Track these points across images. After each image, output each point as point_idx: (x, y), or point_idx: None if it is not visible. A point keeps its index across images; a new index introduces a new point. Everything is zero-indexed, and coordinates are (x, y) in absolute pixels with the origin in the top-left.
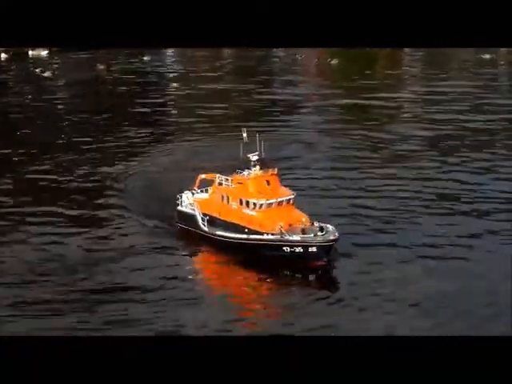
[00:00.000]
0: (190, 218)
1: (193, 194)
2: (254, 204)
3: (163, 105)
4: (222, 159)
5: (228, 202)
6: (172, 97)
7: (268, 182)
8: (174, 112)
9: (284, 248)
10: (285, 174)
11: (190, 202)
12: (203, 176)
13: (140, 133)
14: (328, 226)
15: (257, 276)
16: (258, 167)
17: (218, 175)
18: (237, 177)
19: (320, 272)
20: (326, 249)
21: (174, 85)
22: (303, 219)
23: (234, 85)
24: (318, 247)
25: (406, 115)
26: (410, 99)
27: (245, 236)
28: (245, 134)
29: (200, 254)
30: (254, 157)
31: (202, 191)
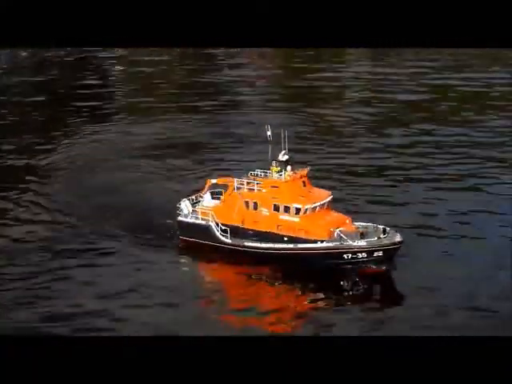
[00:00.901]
0: (200, 229)
1: (192, 201)
2: (298, 209)
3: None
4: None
5: (256, 208)
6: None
7: (304, 184)
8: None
9: (345, 255)
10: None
11: (190, 210)
12: (214, 181)
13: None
14: (385, 227)
15: (309, 290)
16: (289, 167)
17: (235, 179)
18: (268, 180)
19: (383, 281)
20: (392, 253)
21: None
22: (347, 221)
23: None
24: (385, 251)
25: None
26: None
27: (291, 245)
28: (269, 133)
29: (225, 268)
30: (283, 156)
31: (196, 198)
